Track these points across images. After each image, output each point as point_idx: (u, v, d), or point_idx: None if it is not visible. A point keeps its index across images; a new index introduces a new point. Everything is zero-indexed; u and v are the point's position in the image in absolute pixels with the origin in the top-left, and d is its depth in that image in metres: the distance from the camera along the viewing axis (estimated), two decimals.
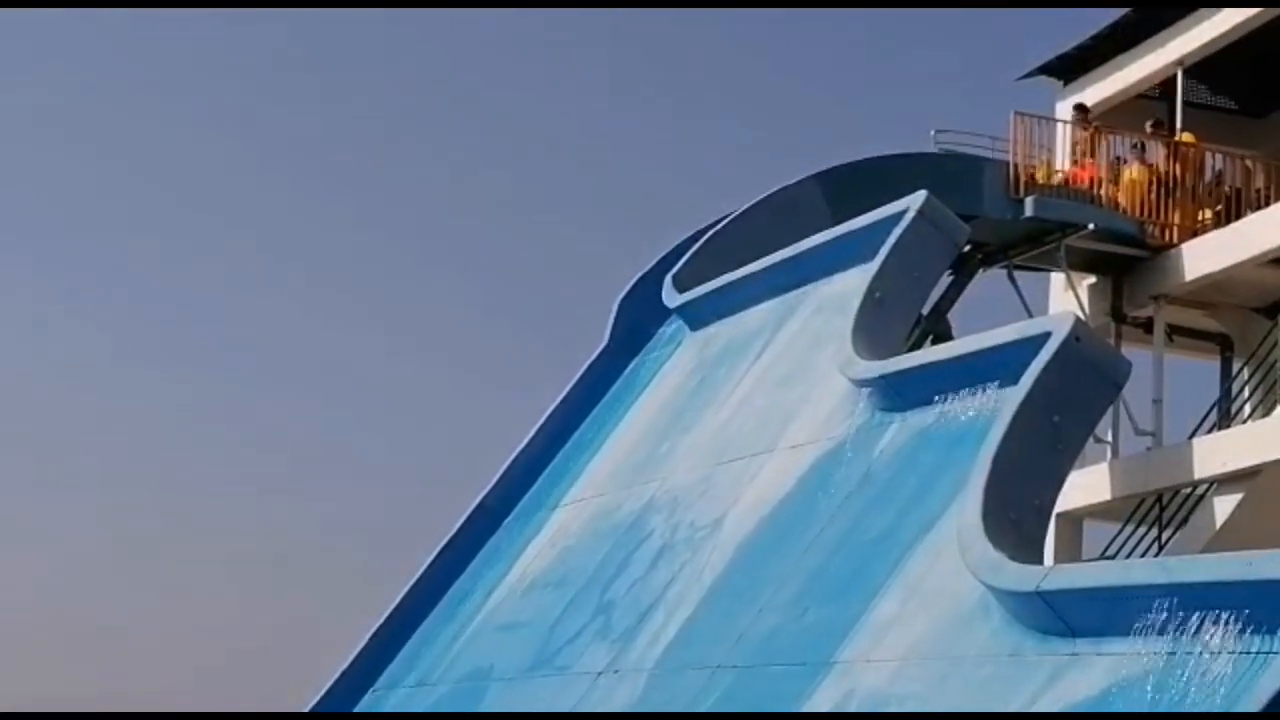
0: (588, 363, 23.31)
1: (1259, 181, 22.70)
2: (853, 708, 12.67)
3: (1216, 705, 9.14)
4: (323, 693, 21.67)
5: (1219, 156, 23.31)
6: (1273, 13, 21.39)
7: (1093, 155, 23.82)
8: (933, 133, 23.28)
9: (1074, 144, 24.41)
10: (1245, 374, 24.81)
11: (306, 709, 21.80)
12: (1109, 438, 22.95)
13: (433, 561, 22.23)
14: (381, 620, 22.08)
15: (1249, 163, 23.13)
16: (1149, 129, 23.98)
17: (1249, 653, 9.09)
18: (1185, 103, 23.44)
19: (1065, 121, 24.79)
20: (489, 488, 22.77)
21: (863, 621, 13.27)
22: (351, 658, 21.84)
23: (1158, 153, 23.54)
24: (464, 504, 23.01)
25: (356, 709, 21.19)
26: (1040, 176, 23.53)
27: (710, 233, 22.66)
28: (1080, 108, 24.53)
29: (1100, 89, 24.52)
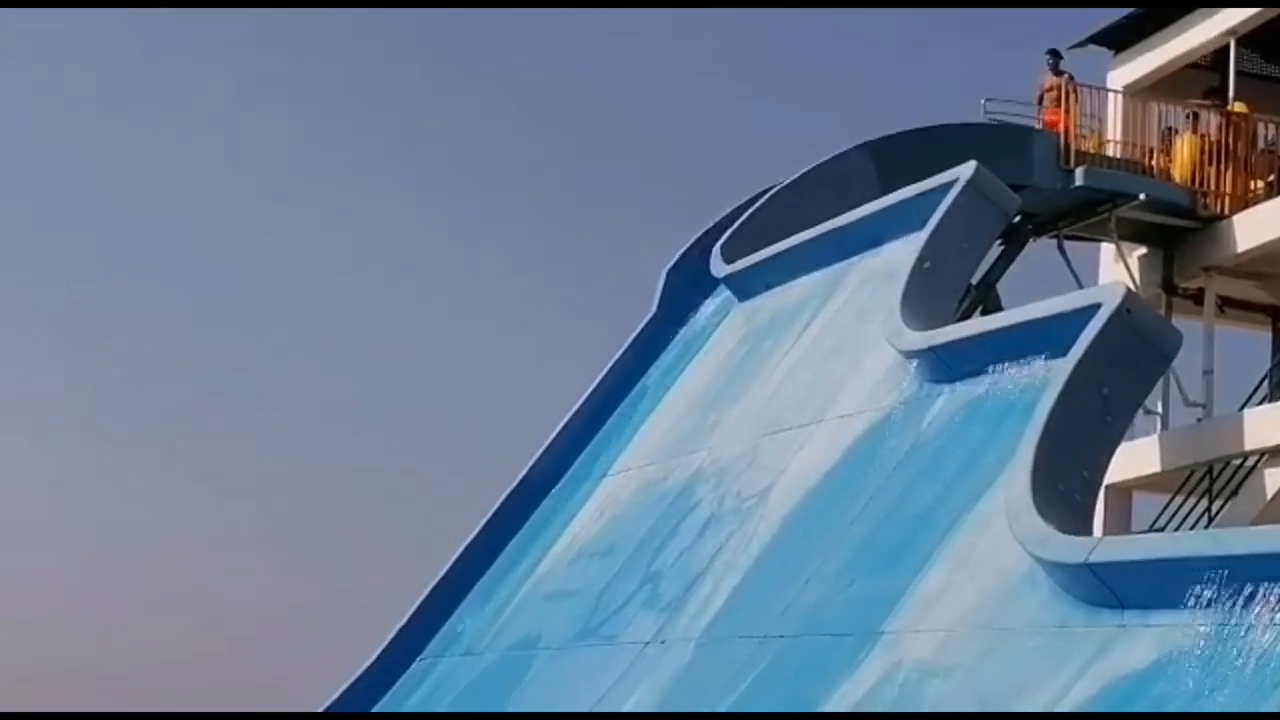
0: (635, 333, 23.31)
1: None
2: (900, 679, 12.72)
3: (1268, 679, 9.16)
4: (371, 660, 21.86)
5: (1272, 126, 23.26)
6: None
7: (1064, 105, 23.76)
8: (983, 102, 23.31)
9: (1045, 90, 24.38)
10: None
11: (355, 677, 21.82)
12: (1159, 409, 22.99)
13: (481, 530, 22.29)
14: (430, 588, 22.20)
15: None
16: (1203, 98, 23.95)
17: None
18: (1238, 72, 23.40)
19: (1118, 91, 24.74)
20: (536, 457, 22.88)
21: (910, 592, 13.32)
22: (400, 625, 22.00)
23: (1210, 122, 23.48)
24: (513, 472, 23.17)
25: (404, 677, 21.28)
26: (1090, 147, 23.55)
27: (758, 203, 22.63)
28: (1053, 52, 24.51)
29: (1153, 58, 24.54)
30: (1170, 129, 23.89)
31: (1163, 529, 23.05)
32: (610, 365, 23.17)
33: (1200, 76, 24.19)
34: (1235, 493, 23.08)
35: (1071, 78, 23.83)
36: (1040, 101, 23.63)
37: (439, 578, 22.19)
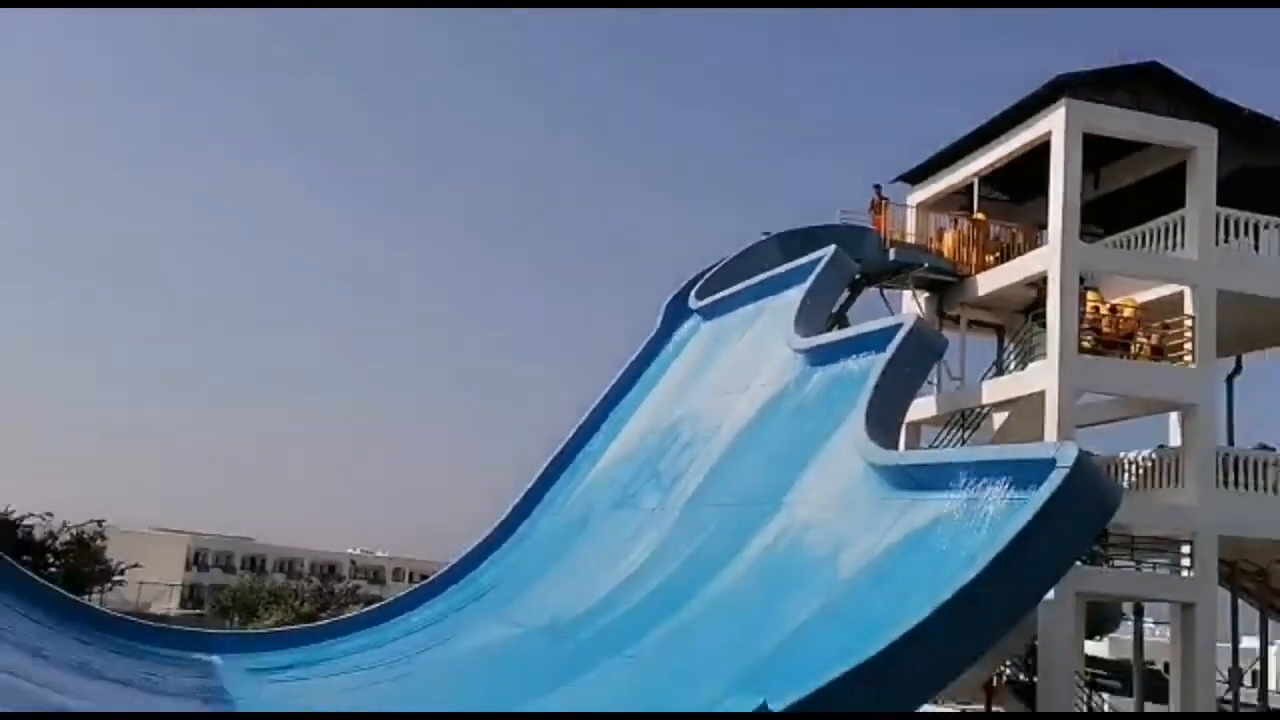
0: (646, 340, 23.71)
1: (1019, 240, 22.84)
2: (792, 531, 13.04)
3: (995, 530, 9.64)
4: (500, 519, 21.97)
5: (996, 225, 23.43)
6: (1026, 144, 21.49)
7: (883, 216, 23.86)
8: (839, 213, 23.60)
9: (872, 207, 24.43)
10: (1010, 346, 24.92)
11: (495, 525, 21.94)
12: (935, 381, 23.13)
13: (562, 448, 22.58)
14: (533, 480, 22.39)
15: (1013, 230, 23.21)
16: (958, 210, 24.13)
17: (1012, 499, 9.68)
18: (979, 196, 23.44)
19: (913, 207, 24.90)
20: (588, 413, 23.05)
21: (798, 482, 13.80)
22: (519, 497, 22.20)
23: (962, 224, 23.58)
24: (581, 413, 23.44)
25: (519, 529, 21.53)
26: (898, 237, 23.83)
27: (717, 266, 23.06)
28: (876, 187, 24.65)
29: (932, 188, 24.45)
30: (941, 228, 24.09)
31: (938, 447, 23.27)
32: (631, 359, 23.56)
33: (958, 198, 24.28)
34: (976, 428, 23.30)
35: (887, 200, 23.95)
36: (871, 209, 23.74)
37: (536, 476, 22.40)
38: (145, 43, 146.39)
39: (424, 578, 24.54)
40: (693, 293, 23.03)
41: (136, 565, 42.73)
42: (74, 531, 35.99)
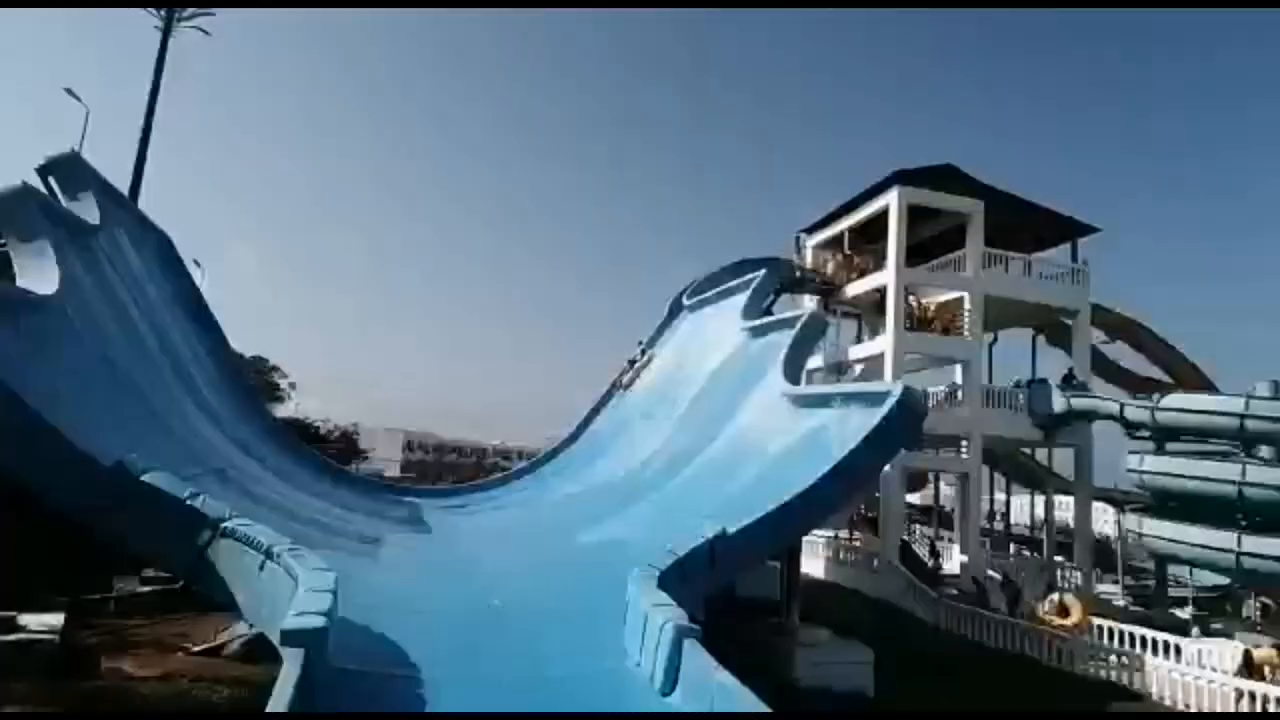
0: (657, 325, 22.94)
1: (871, 266, 22.60)
2: (740, 431, 12.57)
3: (852, 429, 9.52)
4: (576, 424, 21.46)
5: (858, 257, 23.22)
6: (875, 210, 21.33)
7: (798, 253, 23.66)
8: (768, 251, 23.40)
9: (796, 249, 24.22)
10: (865, 327, 24.79)
11: (572, 429, 21.42)
12: (822, 346, 23.01)
13: (600, 400, 22.19)
14: (596, 400, 22.05)
15: (868, 259, 22.99)
16: (836, 249, 23.96)
17: (866, 412, 9.48)
18: (850, 242, 23.33)
19: (807, 249, 24.69)
20: (629, 368, 22.02)
21: (740, 407, 13.38)
22: (587, 412, 21.59)
23: (838, 257, 23.40)
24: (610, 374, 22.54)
25: (587, 429, 21.16)
26: (801, 264, 23.64)
27: (701, 279, 22.68)
28: (796, 236, 24.52)
29: (822, 235, 24.37)
30: (825, 259, 23.84)
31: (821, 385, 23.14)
32: (647, 339, 22.57)
33: (837, 241, 24.06)
34: (844, 373, 23.20)
35: (800, 244, 23.93)
36: (794, 248, 23.66)
37: (597, 399, 21.79)
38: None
39: (533, 457, 24.58)
40: (684, 295, 22.66)
41: (376, 449, 43.33)
42: (341, 429, 36.39)
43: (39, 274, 8.26)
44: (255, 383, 23.45)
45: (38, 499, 6.34)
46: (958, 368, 21.69)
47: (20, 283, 7.98)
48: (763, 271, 19.42)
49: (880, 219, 21.53)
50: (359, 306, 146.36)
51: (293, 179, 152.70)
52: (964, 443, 20.48)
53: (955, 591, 17.86)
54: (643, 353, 21.24)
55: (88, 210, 11.31)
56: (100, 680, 6.70)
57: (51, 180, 11.42)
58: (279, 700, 3.74)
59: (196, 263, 16.71)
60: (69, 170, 11.74)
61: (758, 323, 16.84)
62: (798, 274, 22.89)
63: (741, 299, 18.48)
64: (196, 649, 8.00)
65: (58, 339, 7.99)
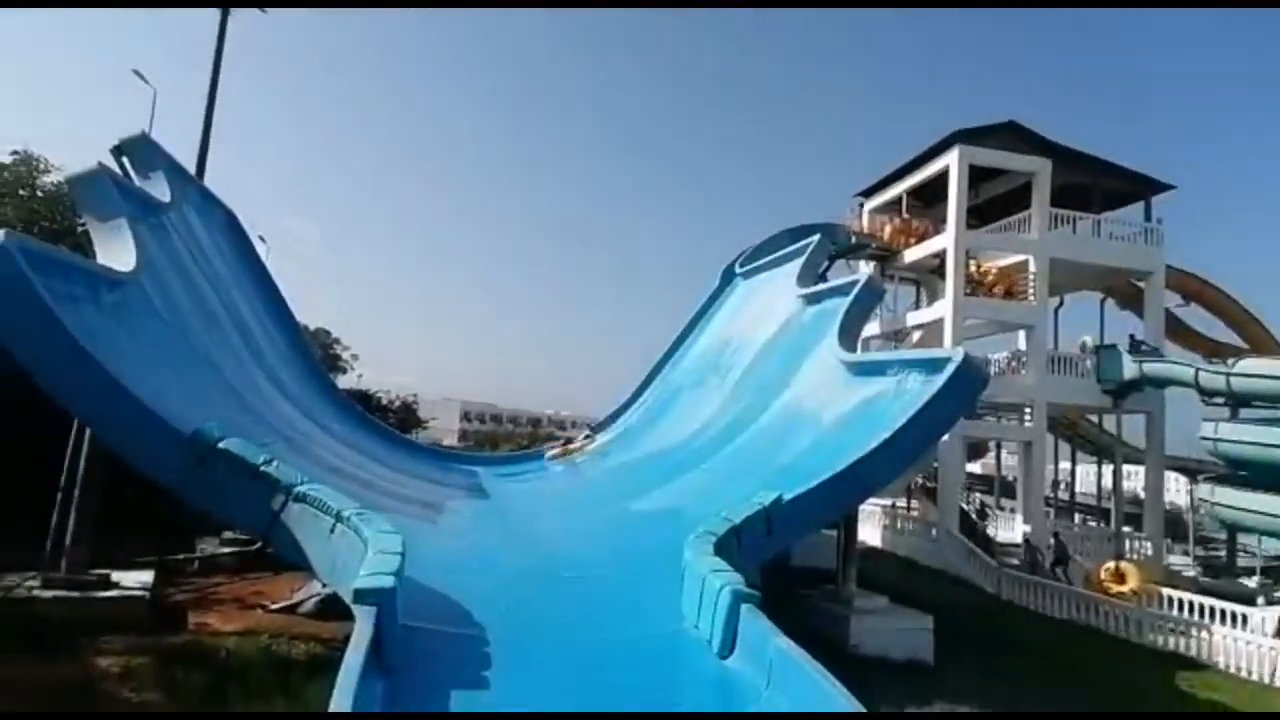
0: (706, 296, 22.47)
1: (929, 230, 22.01)
2: (795, 399, 12.36)
3: (909, 396, 9.34)
4: (630, 393, 21.35)
5: (917, 221, 22.62)
6: (934, 172, 20.73)
7: (861, 220, 23.18)
8: (822, 216, 22.96)
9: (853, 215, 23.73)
10: (923, 293, 24.27)
11: (626, 398, 21.38)
12: (878, 313, 22.60)
13: (665, 352, 22.17)
14: (650, 369, 21.81)
15: (927, 223, 22.38)
16: (895, 213, 23.40)
17: (925, 380, 9.29)
18: (907, 205, 22.77)
19: (863, 214, 24.15)
20: (681, 329, 21.92)
21: (799, 372, 13.11)
22: (640, 381, 21.55)
23: (895, 221, 22.90)
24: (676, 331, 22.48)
25: (639, 398, 21.04)
26: (856, 230, 23.15)
27: (753, 248, 22.31)
28: (859, 196, 24.02)
29: (878, 199, 23.85)
30: (882, 224, 23.29)
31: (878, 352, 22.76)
32: (699, 307, 22.30)
33: (893, 205, 23.47)
34: (902, 340, 22.81)
35: (860, 208, 23.57)
36: (851, 213, 23.28)
37: (650, 368, 21.67)
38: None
39: (588, 426, 24.78)
40: (737, 263, 22.33)
41: (435, 419, 44.25)
42: (401, 399, 37.25)
43: (117, 251, 8.55)
44: (319, 355, 24.15)
45: (128, 466, 6.69)
46: (1021, 333, 21.01)
47: (100, 260, 8.30)
48: (817, 237, 18.94)
49: (939, 181, 20.90)
50: (419, 280, 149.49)
51: (354, 152, 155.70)
52: (1027, 410, 19.94)
53: (1016, 561, 17.55)
54: (588, 437, 20.52)
55: (159, 188, 11.66)
56: (188, 634, 7.09)
57: (125, 160, 11.75)
58: (355, 653, 3.90)
59: (261, 238, 17.20)
60: (140, 150, 12.02)
61: (812, 289, 16.48)
62: (853, 239, 22.42)
63: (796, 265, 18.11)
64: (274, 606, 8.42)
65: (137, 314, 8.34)
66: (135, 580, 7.93)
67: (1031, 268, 20.14)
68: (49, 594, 7.22)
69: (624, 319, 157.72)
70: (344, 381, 28.77)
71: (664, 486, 12.08)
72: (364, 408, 20.21)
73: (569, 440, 19.91)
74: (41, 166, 14.35)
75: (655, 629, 5.99)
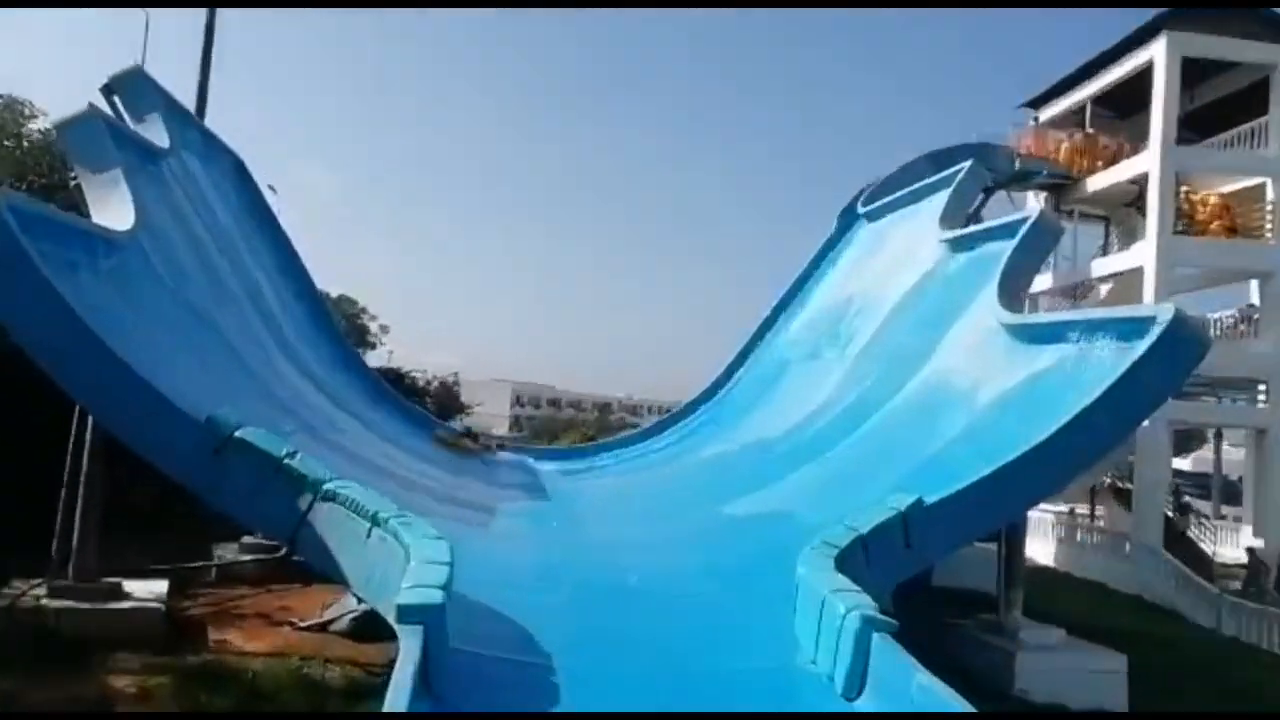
0: (826, 237, 22.47)
1: (1124, 150, 21.17)
2: (939, 375, 12.23)
3: (1096, 369, 9.04)
4: (721, 371, 21.65)
5: (1103, 137, 21.75)
6: (1131, 70, 19.93)
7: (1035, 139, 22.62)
8: (974, 135, 22.35)
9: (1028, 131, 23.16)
10: (1114, 233, 23.49)
11: (716, 376, 21.69)
12: (1052, 260, 21.89)
13: (765, 318, 22.03)
14: (747, 339, 21.90)
15: (1118, 140, 21.49)
16: (1074, 128, 22.64)
17: (1118, 348, 8.98)
18: (1090, 115, 21.91)
19: (1029, 131, 23.47)
20: (786, 288, 22.01)
21: (943, 339, 12.90)
22: (734, 354, 21.74)
23: (1075, 137, 22.14)
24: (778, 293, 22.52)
25: (734, 376, 21.28)
26: (1023, 150, 22.50)
27: (879, 181, 21.95)
28: (1035, 120, 23.52)
29: (1052, 110, 23.05)
30: (1057, 143, 22.51)
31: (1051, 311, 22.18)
32: (815, 254, 22.32)
33: (1072, 117, 22.66)
34: (1085, 296, 22.13)
35: (1039, 125, 23.16)
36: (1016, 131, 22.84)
37: (748, 338, 21.93)
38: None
39: (668, 411, 25.01)
40: (859, 201, 21.95)
41: (480, 404, 45.42)
42: (439, 381, 38.45)
43: (113, 207, 9.00)
44: (343, 326, 25.16)
45: (133, 457, 7.21)
46: (1252, 284, 20.01)
47: (94, 218, 8.83)
48: (969, 163, 18.44)
49: (1138, 81, 20.03)
50: (459, 240, 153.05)
51: (382, 84, 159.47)
52: (1261, 387, 19.09)
53: (1237, 585, 16.89)
54: (489, 448, 19.48)
55: (155, 132, 12.26)
56: (208, 653, 7.64)
57: (116, 100, 12.38)
58: (400, 682, 4.12)
59: (271, 188, 17.97)
60: (134, 88, 12.55)
61: (962, 232, 16.05)
62: (1018, 164, 21.79)
63: (938, 202, 17.66)
64: (304, 624, 8.96)
65: (137, 280, 8.88)
66: (148, 590, 8.58)
67: (1269, 195, 19.19)
68: (57, 604, 7.89)
69: (708, 281, 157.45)
70: (373, 359, 29.92)
71: (768, 486, 12.16)
72: (395, 389, 20.99)
73: (475, 435, 19.55)
74: (27, 112, 15.36)
75: (760, 662, 6.06)
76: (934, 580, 11.53)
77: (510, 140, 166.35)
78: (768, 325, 21.69)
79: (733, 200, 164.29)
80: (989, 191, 21.45)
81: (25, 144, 15.01)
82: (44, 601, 7.94)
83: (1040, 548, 19.85)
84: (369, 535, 6.61)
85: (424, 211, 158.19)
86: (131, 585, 8.50)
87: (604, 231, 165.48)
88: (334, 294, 31.33)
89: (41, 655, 6.92)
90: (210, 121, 18.18)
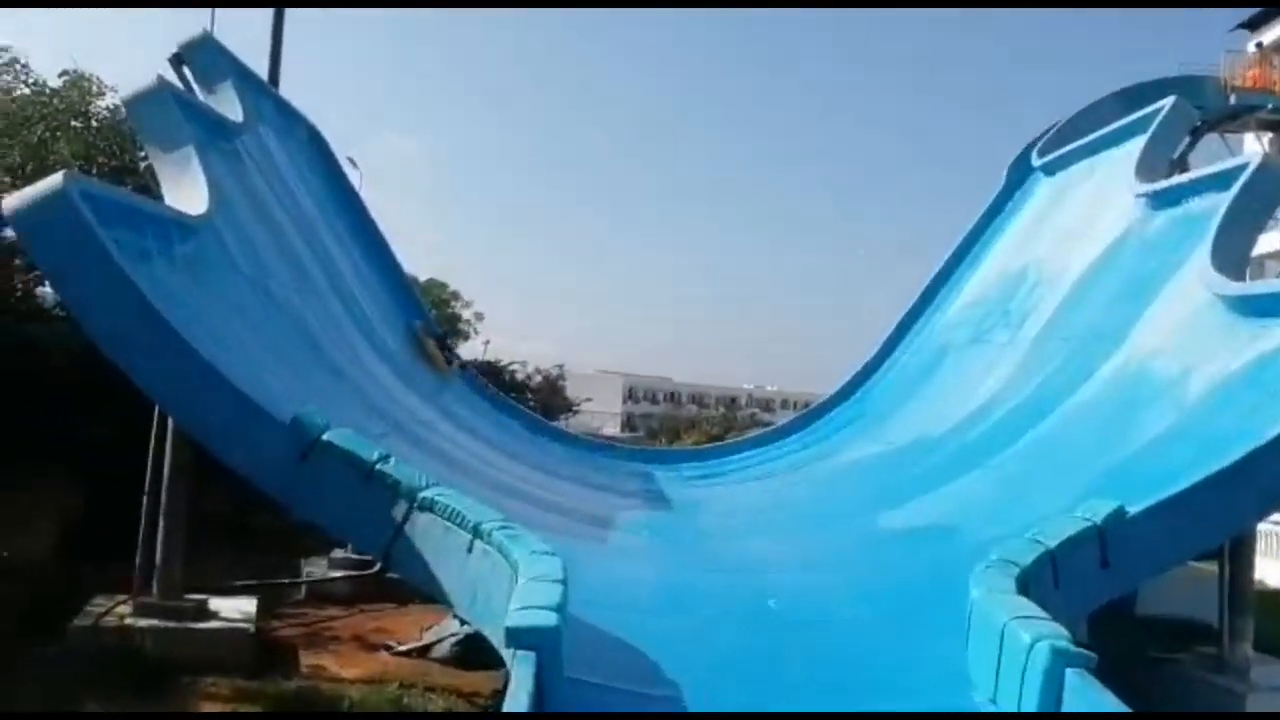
0: (994, 196, 21.90)
1: None
2: (1139, 358, 11.96)
3: None
4: (870, 357, 21.58)
5: None
6: None
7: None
8: (1178, 65, 21.30)
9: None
10: None
11: (864, 363, 21.55)
12: (1278, 216, 20.64)
13: (921, 294, 21.59)
14: (900, 319, 21.57)
15: None
16: None
17: None
18: None
19: (1253, 53, 22.13)
20: (946, 258, 21.74)
21: (1143, 315, 12.56)
22: (886, 337, 21.53)
23: None
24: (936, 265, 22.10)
25: (886, 363, 21.08)
26: (1238, 83, 21.30)
27: (1056, 126, 21.21)
28: (1258, 45, 22.25)
29: (1273, 32, 21.67)
30: None
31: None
32: (979, 218, 21.73)
33: None
34: None
35: (1262, 50, 22.15)
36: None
37: (901, 317, 21.65)
38: None
39: (806, 405, 24.78)
40: (1034, 152, 21.25)
41: (588, 399, 46.27)
42: (542, 374, 39.28)
43: (186, 189, 9.48)
44: (434, 315, 25.93)
45: (211, 463, 7.60)
46: None
47: (167, 201, 9.33)
48: (1171, 99, 17.53)
49: None
50: (564, 217, 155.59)
51: (478, 46, 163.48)
52: None
53: None
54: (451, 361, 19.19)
55: (228, 104, 12.88)
56: (301, 678, 8.02)
57: (185, 71, 13.02)
58: (511, 714, 4.20)
59: (351, 160, 18.65)
60: (204, 56, 13.08)
61: (1164, 184, 15.35)
62: (1232, 99, 20.59)
63: (1134, 147, 16.92)
64: (401, 648, 9.31)
65: (213, 268, 9.38)
66: (235, 609, 9.10)
67: None
68: (143, 623, 8.43)
69: (858, 255, 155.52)
70: (466, 351, 30.81)
71: (928, 494, 12.05)
72: (493, 384, 21.53)
73: (448, 347, 19.38)
74: (94, 89, 16.37)
75: (927, 698, 5.99)
76: (1138, 608, 11.27)
77: (634, 118, 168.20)
78: (923, 304, 21.36)
79: (876, 169, 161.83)
80: (1196, 133, 20.41)
81: (94, 123, 16.00)
82: (129, 620, 8.45)
83: (1272, 567, 18.84)
84: (470, 549, 6.79)
85: (519, 183, 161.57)
86: (218, 603, 9.01)
87: (729, 204, 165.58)
88: (422, 279, 32.35)
89: (130, 677, 7.40)
90: (284, 89, 19.03)
